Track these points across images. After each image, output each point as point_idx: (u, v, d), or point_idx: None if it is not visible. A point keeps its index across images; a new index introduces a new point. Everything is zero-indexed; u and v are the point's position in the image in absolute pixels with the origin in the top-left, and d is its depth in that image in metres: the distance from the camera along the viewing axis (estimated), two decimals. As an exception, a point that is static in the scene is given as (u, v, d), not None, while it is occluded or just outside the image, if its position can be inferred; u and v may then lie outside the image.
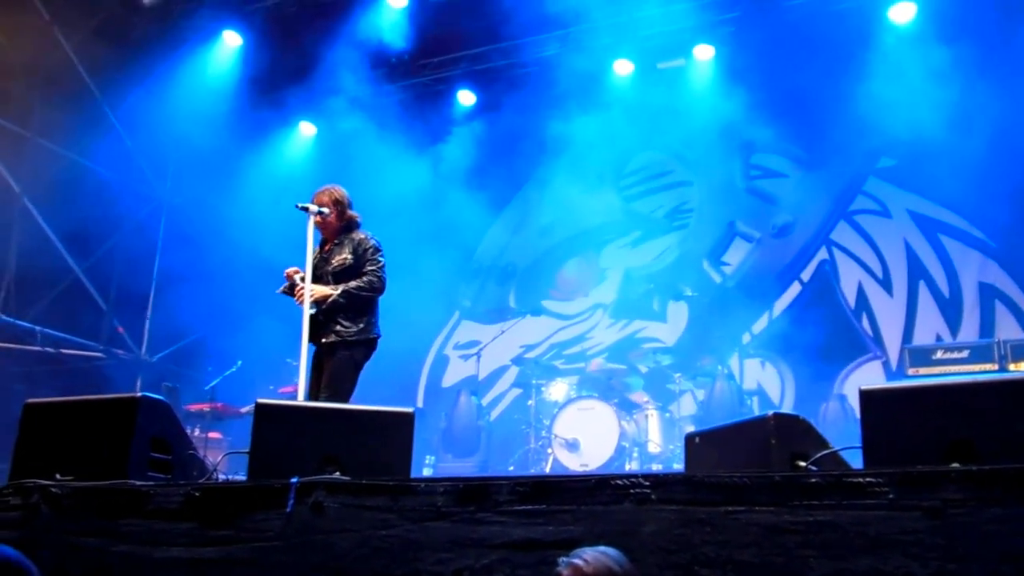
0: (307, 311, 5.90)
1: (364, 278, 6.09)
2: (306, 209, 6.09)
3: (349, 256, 6.16)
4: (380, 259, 6.19)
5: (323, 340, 6.00)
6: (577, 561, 2.57)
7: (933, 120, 9.35)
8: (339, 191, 6.32)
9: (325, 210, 6.15)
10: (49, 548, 3.80)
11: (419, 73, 12.41)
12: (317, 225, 6.18)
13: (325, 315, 5.99)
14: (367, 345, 6.13)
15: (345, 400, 5.85)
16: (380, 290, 6.17)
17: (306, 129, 13.12)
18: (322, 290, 6.00)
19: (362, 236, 6.25)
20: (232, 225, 11.40)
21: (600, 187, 12.10)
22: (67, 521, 3.84)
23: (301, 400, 5.78)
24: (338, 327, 6.00)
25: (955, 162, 9.44)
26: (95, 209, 11.38)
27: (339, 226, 6.27)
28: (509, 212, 12.85)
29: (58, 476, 4.05)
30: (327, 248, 6.30)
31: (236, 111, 12.08)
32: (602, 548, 2.64)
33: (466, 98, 12.55)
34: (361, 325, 6.06)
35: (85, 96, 11.46)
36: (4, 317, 11.02)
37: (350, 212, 6.32)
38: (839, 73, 10.30)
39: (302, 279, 6.00)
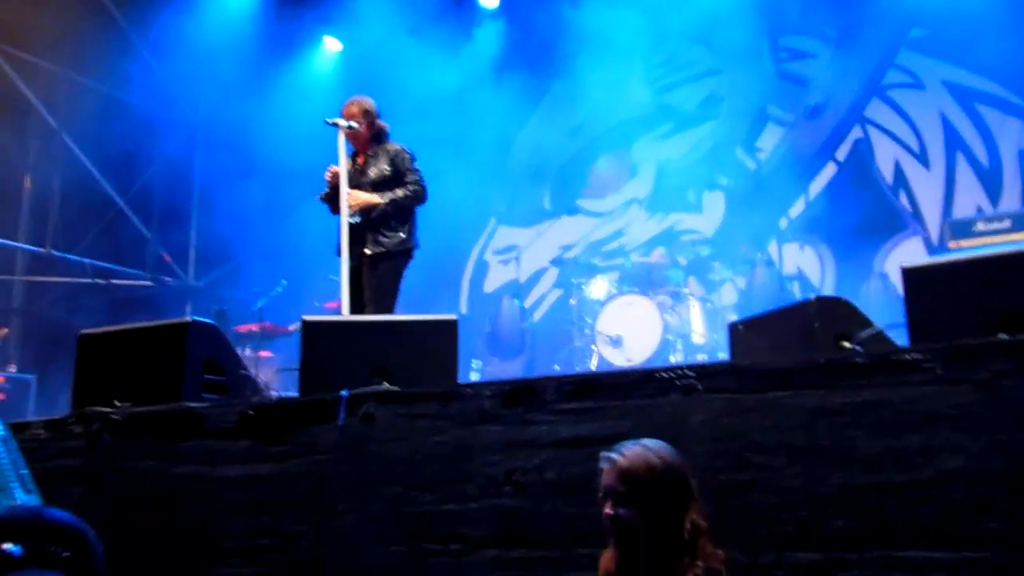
0: (345, 223, 5.84)
1: (408, 187, 6.03)
2: (335, 125, 6.02)
3: (387, 167, 6.09)
4: (418, 168, 6.15)
5: (366, 252, 5.95)
6: (615, 456, 2.56)
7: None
8: (367, 101, 6.23)
9: (355, 124, 6.07)
10: (113, 472, 3.93)
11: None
12: (348, 138, 6.11)
13: (368, 225, 5.95)
14: (407, 255, 6.12)
15: (390, 312, 5.87)
16: (423, 199, 6.13)
17: (331, 42, 12.93)
18: (368, 197, 5.95)
19: (398, 147, 6.17)
20: (267, 146, 11.40)
21: (628, 81, 11.83)
22: (128, 446, 3.94)
23: (345, 314, 5.77)
24: (381, 238, 5.95)
25: (989, 27, 9.01)
26: (131, 139, 11.51)
27: (369, 136, 6.17)
28: (538, 114, 12.66)
29: (117, 403, 4.13)
30: (361, 160, 6.21)
31: (262, 30, 12.00)
32: (644, 440, 2.60)
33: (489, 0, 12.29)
34: (403, 235, 6.03)
35: (111, 27, 11.45)
36: (54, 252, 11.27)
37: (379, 122, 6.24)
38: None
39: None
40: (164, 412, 3.96)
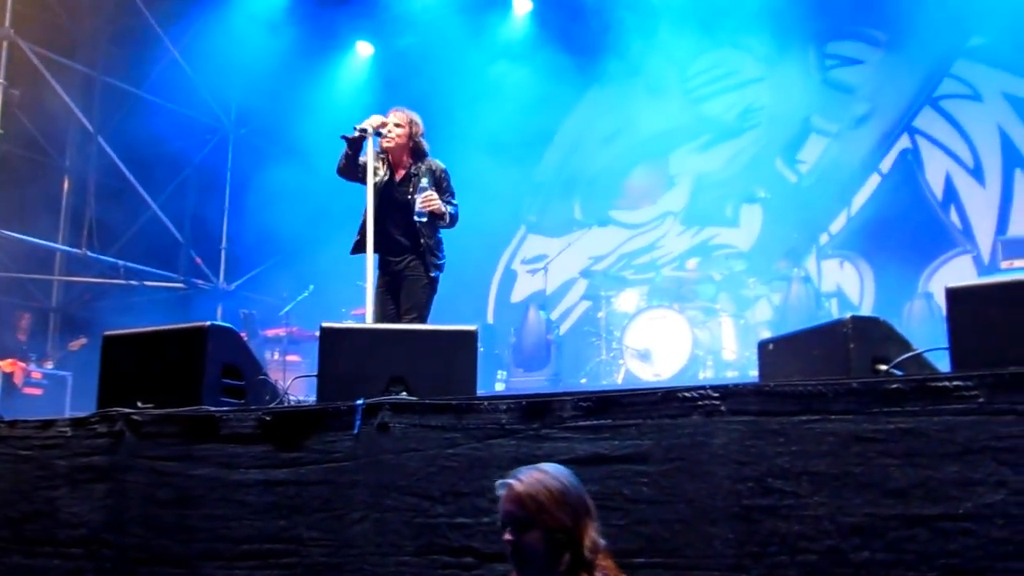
0: (371, 223, 5.78)
1: (454, 207, 6.05)
2: (363, 130, 5.89)
3: (433, 188, 5.95)
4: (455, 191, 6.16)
5: (430, 275, 5.99)
6: (511, 481, 2.59)
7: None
8: (414, 114, 6.15)
9: (383, 130, 5.94)
10: (135, 471, 3.98)
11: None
12: (383, 146, 6.02)
13: (426, 248, 5.93)
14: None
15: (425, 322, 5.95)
16: (456, 222, 6.15)
17: (363, 47, 12.99)
18: (440, 204, 5.88)
19: (441, 167, 6.09)
20: (299, 150, 11.44)
21: (666, 90, 11.67)
22: (150, 446, 3.99)
23: (370, 318, 5.80)
24: (436, 261, 6.02)
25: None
26: (164, 144, 11.68)
27: (408, 147, 6.07)
28: (571, 122, 12.61)
29: (139, 404, 4.18)
30: (400, 175, 6.09)
31: (294, 36, 12.11)
32: (541, 465, 2.66)
33: (523, 5, 12.22)
34: (443, 255, 6.12)
35: (148, 32, 11.66)
36: (89, 253, 11.41)
37: (422, 139, 6.13)
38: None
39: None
40: (184, 415, 4.01)
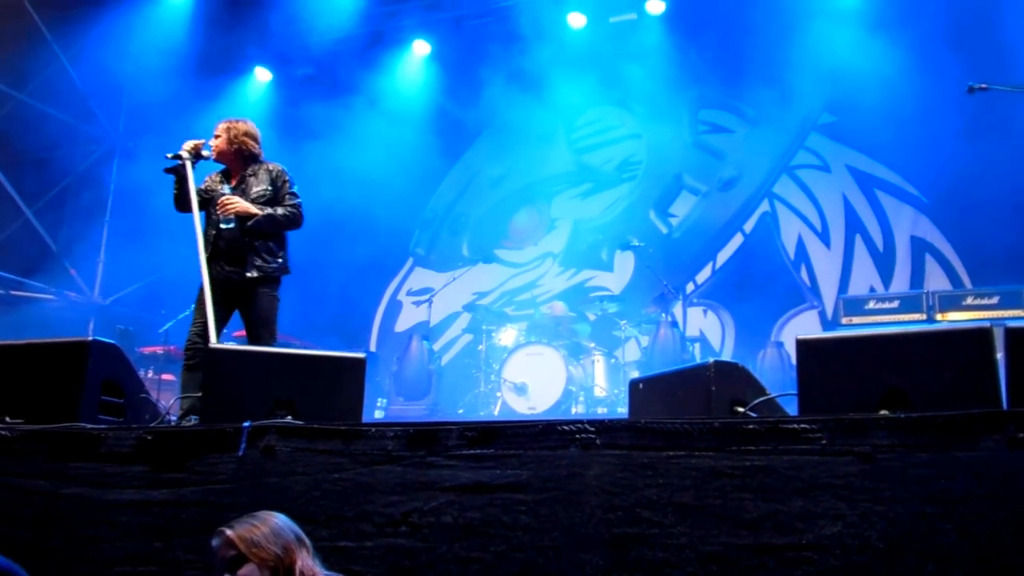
0: (200, 238, 5.73)
1: (288, 208, 5.89)
2: (178, 157, 5.85)
3: (268, 187, 5.93)
4: (297, 192, 6.01)
5: (247, 275, 5.79)
6: (223, 528, 2.87)
7: (871, 78, 9.65)
8: (241, 123, 6.06)
9: (205, 152, 5.90)
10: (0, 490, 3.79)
11: (374, 21, 12.22)
12: (217, 159, 5.98)
13: (250, 248, 5.80)
14: (280, 280, 5.98)
15: (276, 336, 5.84)
16: (299, 224, 6.00)
17: (261, 75, 12.89)
18: (246, 205, 5.79)
19: (279, 168, 6.04)
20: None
21: (553, 139, 12.16)
22: (17, 464, 3.81)
23: (211, 325, 5.59)
24: (260, 262, 5.82)
25: (891, 120, 9.74)
26: (46, 151, 11.30)
27: (231, 152, 5.98)
28: (463, 162, 12.84)
29: (8, 419, 4.01)
30: (235, 181, 6.00)
31: (192, 54, 11.90)
32: (256, 512, 2.95)
33: (421, 47, 12.42)
34: (280, 260, 5.94)
35: (35, 36, 11.29)
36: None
37: (251, 143, 6.02)
38: (785, 29, 10.36)
39: (226, 190, 5.85)
40: (57, 432, 3.84)
